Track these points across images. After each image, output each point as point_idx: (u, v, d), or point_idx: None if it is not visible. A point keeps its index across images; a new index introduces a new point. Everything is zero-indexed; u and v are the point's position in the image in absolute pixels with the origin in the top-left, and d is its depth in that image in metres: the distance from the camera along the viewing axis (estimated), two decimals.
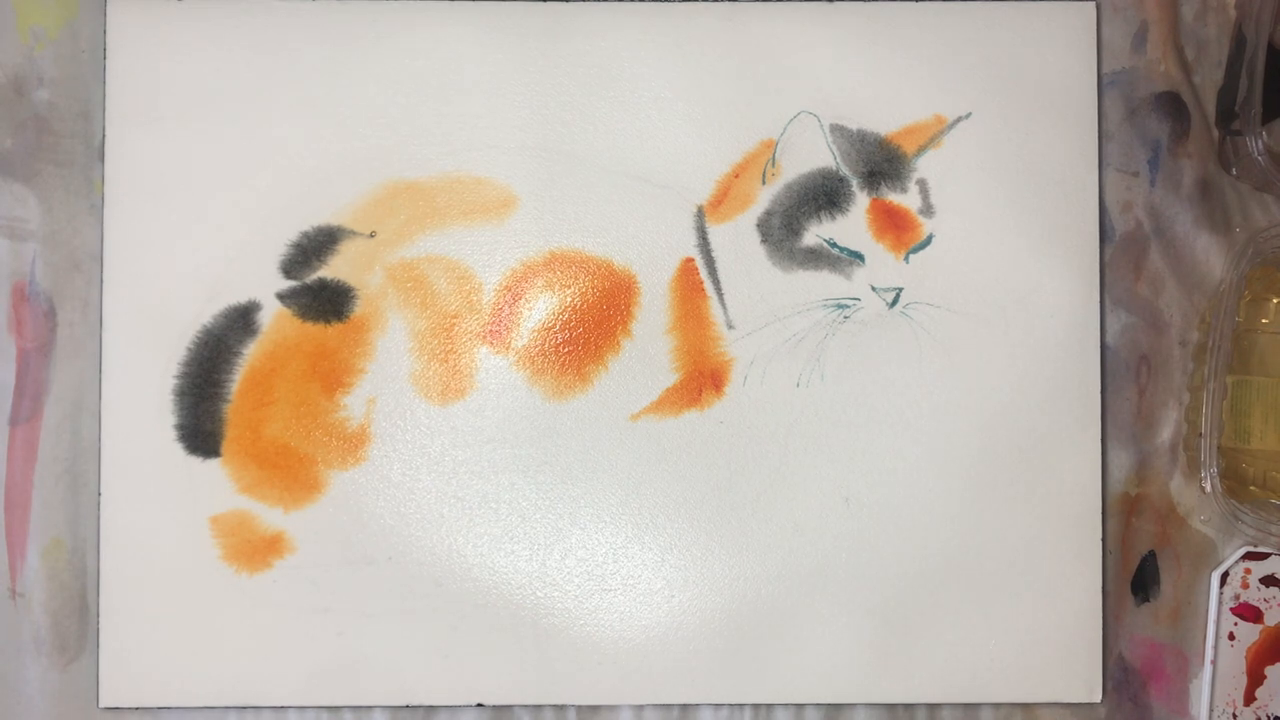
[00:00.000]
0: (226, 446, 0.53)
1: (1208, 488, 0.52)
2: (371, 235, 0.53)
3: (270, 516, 0.53)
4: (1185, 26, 0.55)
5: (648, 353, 0.54)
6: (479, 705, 0.53)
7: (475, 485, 0.53)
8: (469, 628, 0.53)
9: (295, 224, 0.53)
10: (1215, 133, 0.55)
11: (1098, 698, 0.54)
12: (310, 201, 0.53)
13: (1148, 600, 0.55)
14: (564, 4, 0.54)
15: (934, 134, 0.54)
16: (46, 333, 0.54)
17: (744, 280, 0.54)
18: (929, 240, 0.54)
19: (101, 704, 0.53)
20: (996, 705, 0.54)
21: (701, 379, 0.54)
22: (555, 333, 0.54)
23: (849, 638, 0.53)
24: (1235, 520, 0.53)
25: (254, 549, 0.53)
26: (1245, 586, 0.54)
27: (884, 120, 0.54)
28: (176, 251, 0.53)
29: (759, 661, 0.53)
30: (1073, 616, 0.54)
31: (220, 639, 0.53)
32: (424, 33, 0.54)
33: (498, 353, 0.54)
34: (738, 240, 0.54)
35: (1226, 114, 0.54)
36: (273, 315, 0.53)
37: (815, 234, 0.54)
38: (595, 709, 0.54)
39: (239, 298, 0.53)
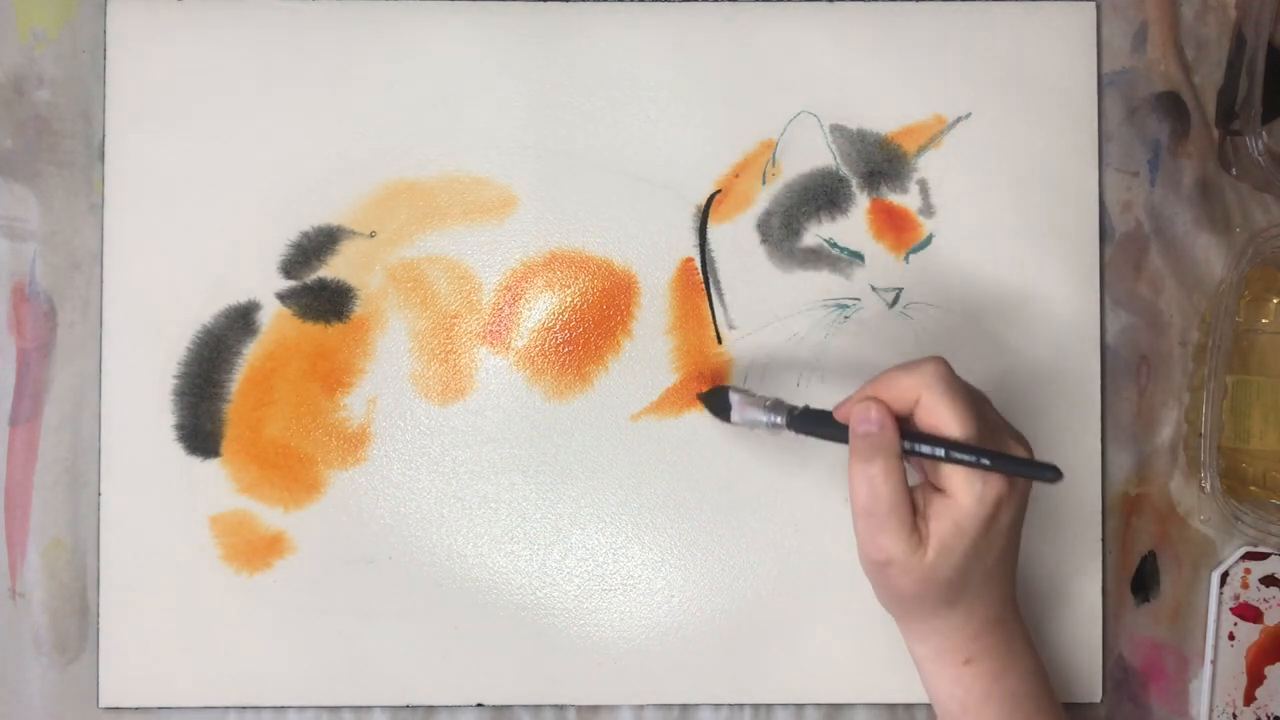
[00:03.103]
0: (226, 446, 0.53)
1: (1207, 488, 0.52)
2: (371, 235, 0.53)
3: (270, 516, 0.53)
4: (1185, 26, 0.55)
5: (648, 353, 0.54)
6: (479, 705, 0.53)
7: (475, 485, 0.53)
8: (469, 628, 0.53)
9: (295, 224, 0.53)
10: (1215, 133, 0.55)
11: (1098, 698, 0.54)
12: (310, 201, 0.53)
13: (1148, 600, 0.55)
14: (564, 4, 0.54)
15: (934, 134, 0.54)
16: (46, 333, 0.54)
17: (744, 280, 0.54)
18: (929, 240, 0.54)
19: (101, 704, 0.53)
20: None
21: (701, 379, 0.54)
22: (555, 333, 0.54)
23: (849, 638, 0.53)
24: (1235, 520, 0.53)
25: (254, 549, 0.53)
26: (1245, 586, 0.54)
27: (884, 120, 0.54)
28: (176, 251, 0.53)
29: (759, 661, 0.53)
30: (1073, 616, 0.54)
31: (220, 639, 0.53)
32: (424, 33, 0.54)
33: (498, 353, 0.54)
34: (737, 240, 0.54)
35: (1226, 114, 0.54)
36: (273, 315, 0.53)
37: (815, 234, 0.54)
38: (595, 709, 0.54)
39: (239, 298, 0.53)
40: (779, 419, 0.47)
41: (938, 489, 0.43)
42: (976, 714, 0.46)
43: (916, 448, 0.43)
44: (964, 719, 0.46)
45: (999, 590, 0.46)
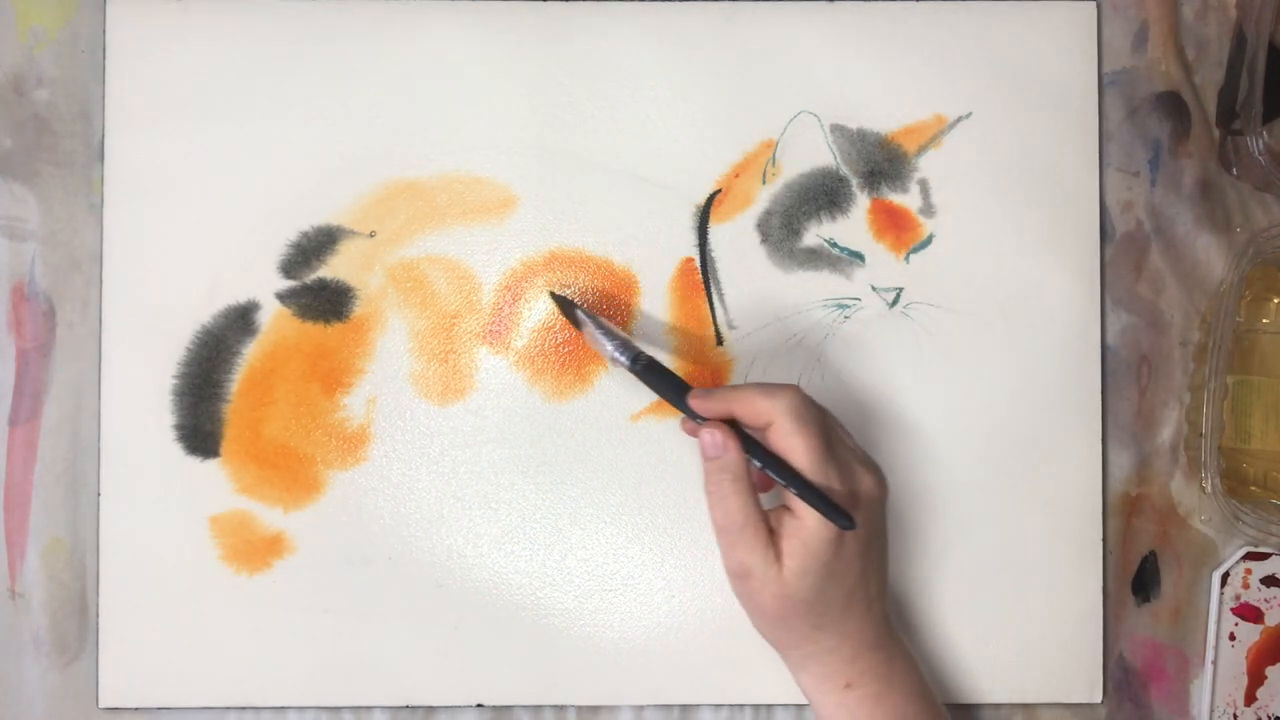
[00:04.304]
0: (226, 446, 0.53)
1: (1208, 488, 0.52)
2: (371, 235, 0.53)
3: (270, 516, 0.53)
4: (1186, 26, 0.55)
5: (648, 353, 0.54)
6: (479, 705, 0.53)
7: (475, 485, 0.53)
8: (469, 628, 0.53)
9: (295, 224, 0.53)
10: (1216, 132, 0.55)
11: (1098, 698, 0.54)
12: (310, 201, 0.53)
13: (1148, 600, 0.55)
14: (564, 4, 0.54)
15: (934, 134, 0.54)
16: (46, 333, 0.54)
17: (744, 280, 0.54)
18: (929, 240, 0.54)
19: (101, 704, 0.53)
20: (997, 705, 0.54)
21: (702, 379, 0.54)
22: (555, 333, 0.54)
23: None
24: (1236, 520, 0.53)
25: (254, 549, 0.53)
26: (1246, 586, 0.54)
27: (884, 120, 0.54)
28: (176, 251, 0.53)
29: (759, 661, 0.53)
30: (1073, 616, 0.54)
31: (220, 639, 0.53)
32: (424, 33, 0.54)
33: (497, 353, 0.54)
34: (738, 240, 0.54)
35: (1227, 113, 0.54)
36: (272, 315, 0.53)
37: (815, 234, 0.54)
38: (595, 709, 0.54)
39: (238, 298, 0.53)
40: (623, 358, 0.49)
41: (790, 510, 0.45)
42: None
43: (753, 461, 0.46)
44: None
45: (867, 613, 0.47)
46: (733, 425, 0.46)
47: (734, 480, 0.45)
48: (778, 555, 0.45)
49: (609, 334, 0.50)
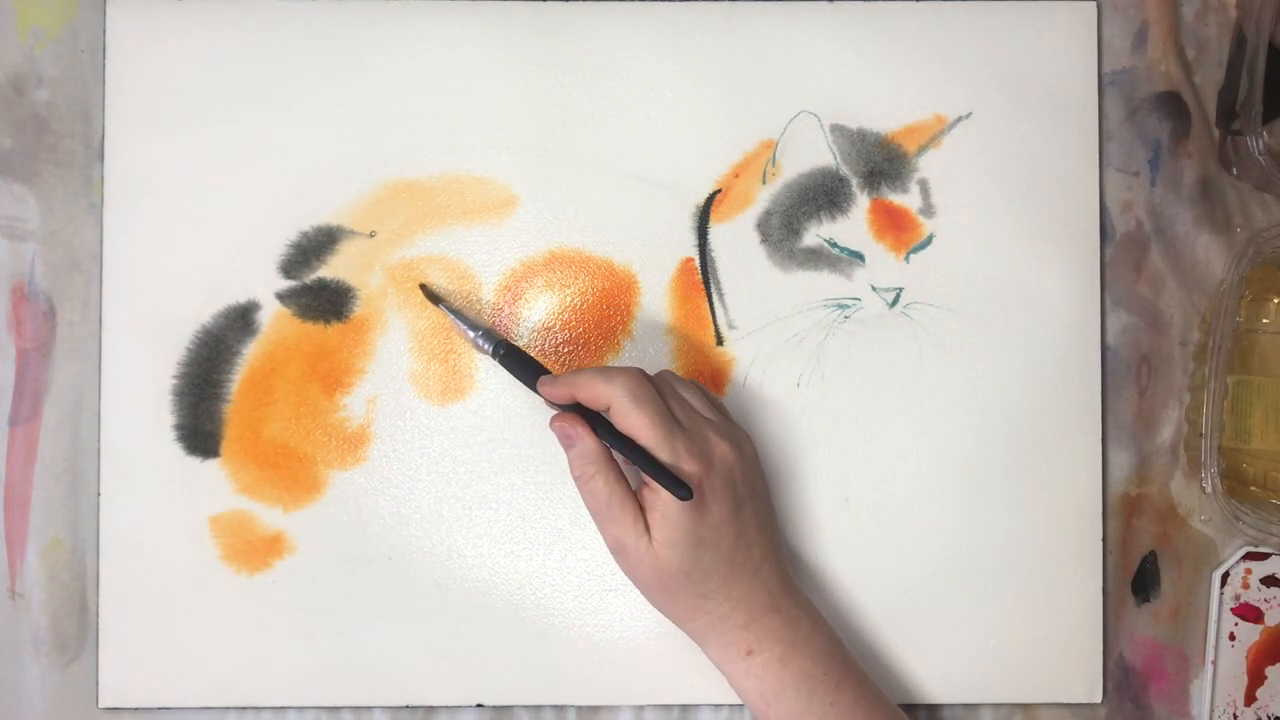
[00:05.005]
0: (226, 446, 0.53)
1: (1208, 488, 0.52)
2: (371, 235, 0.53)
3: (270, 516, 0.53)
4: (1186, 26, 0.55)
5: (648, 353, 0.54)
6: (479, 705, 0.53)
7: (475, 485, 0.53)
8: (469, 628, 0.53)
9: (295, 224, 0.53)
10: (1216, 132, 0.55)
11: (1098, 698, 0.54)
12: (310, 201, 0.53)
13: (1148, 600, 0.55)
14: (564, 4, 0.54)
15: (934, 134, 0.54)
16: (46, 333, 0.54)
17: (744, 280, 0.54)
18: (929, 240, 0.54)
19: (101, 704, 0.53)
20: (996, 705, 0.54)
21: (701, 379, 0.54)
22: (555, 333, 0.54)
23: (849, 638, 0.53)
24: (1236, 520, 0.53)
25: (254, 549, 0.53)
26: (1246, 586, 0.54)
27: (884, 120, 0.54)
28: (176, 251, 0.53)
29: None
30: (1073, 616, 0.54)
31: (220, 639, 0.53)
32: (424, 33, 0.54)
33: None
34: (738, 240, 0.54)
35: (1227, 113, 0.54)
36: (272, 315, 0.53)
37: (815, 234, 0.54)
38: (595, 709, 0.54)
39: (238, 298, 0.53)
40: (485, 345, 0.51)
41: (648, 485, 0.46)
42: (777, 703, 0.47)
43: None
44: (770, 712, 0.48)
45: (755, 578, 0.48)
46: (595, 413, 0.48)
47: (593, 463, 0.47)
48: (647, 529, 0.46)
49: (472, 325, 0.51)
